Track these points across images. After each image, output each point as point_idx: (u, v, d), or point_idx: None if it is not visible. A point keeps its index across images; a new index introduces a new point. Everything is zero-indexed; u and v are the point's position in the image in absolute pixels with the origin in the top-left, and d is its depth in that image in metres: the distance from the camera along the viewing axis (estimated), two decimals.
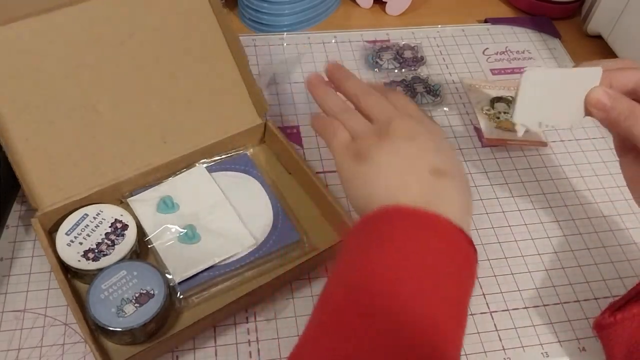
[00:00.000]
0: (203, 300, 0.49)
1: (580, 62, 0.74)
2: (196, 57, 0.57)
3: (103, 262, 0.48)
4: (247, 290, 0.48)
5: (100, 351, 0.44)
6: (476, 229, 0.56)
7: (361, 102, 0.45)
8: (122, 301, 0.46)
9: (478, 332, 0.50)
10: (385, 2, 0.79)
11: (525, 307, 0.52)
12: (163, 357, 0.47)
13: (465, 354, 0.48)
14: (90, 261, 0.48)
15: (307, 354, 0.34)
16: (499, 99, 0.68)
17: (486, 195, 0.60)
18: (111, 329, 0.44)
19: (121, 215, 0.52)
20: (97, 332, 0.46)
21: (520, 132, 0.49)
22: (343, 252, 0.38)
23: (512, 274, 0.54)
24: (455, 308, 0.36)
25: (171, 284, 0.48)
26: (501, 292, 0.53)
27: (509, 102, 0.68)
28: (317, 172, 0.59)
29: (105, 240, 0.50)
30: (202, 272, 0.49)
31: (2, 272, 0.51)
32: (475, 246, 0.37)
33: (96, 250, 0.49)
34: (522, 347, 0.49)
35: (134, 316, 0.45)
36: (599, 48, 0.77)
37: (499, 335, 0.50)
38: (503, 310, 0.51)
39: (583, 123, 0.48)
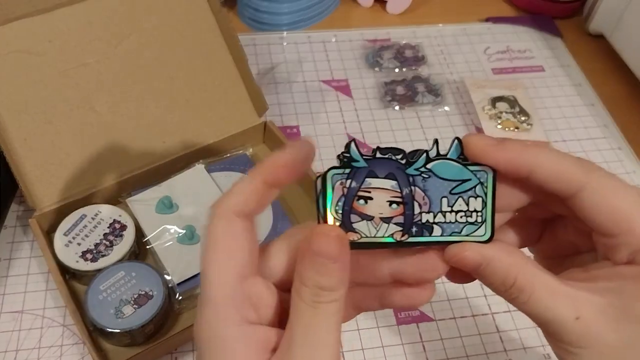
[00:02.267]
0: None
1: (580, 63, 0.75)
2: (195, 56, 0.57)
3: (101, 262, 0.48)
4: None
5: (99, 353, 0.44)
6: None
7: None
8: (120, 302, 0.46)
9: (479, 334, 0.50)
10: (386, 1, 0.79)
11: None
12: (162, 358, 0.47)
13: (467, 356, 0.48)
14: (89, 262, 0.48)
15: None
16: (500, 99, 0.68)
17: None
18: (109, 330, 0.44)
19: (120, 215, 0.51)
20: (95, 333, 0.46)
21: None
22: None
23: None
24: None
25: (170, 285, 0.48)
26: None
27: (511, 101, 0.67)
28: (317, 172, 0.59)
29: (104, 241, 0.49)
30: None
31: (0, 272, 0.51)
32: None
33: (94, 251, 0.49)
34: (524, 348, 0.49)
35: (133, 317, 0.45)
36: (600, 47, 0.77)
37: (500, 337, 0.50)
38: (504, 312, 0.51)
39: None
